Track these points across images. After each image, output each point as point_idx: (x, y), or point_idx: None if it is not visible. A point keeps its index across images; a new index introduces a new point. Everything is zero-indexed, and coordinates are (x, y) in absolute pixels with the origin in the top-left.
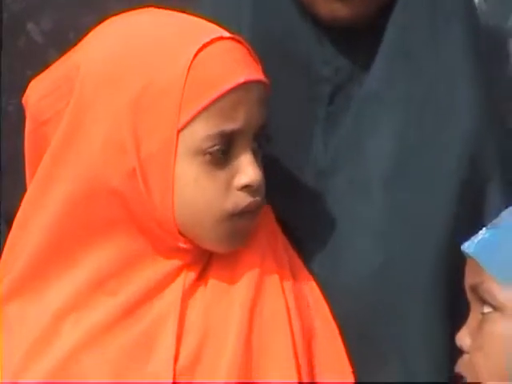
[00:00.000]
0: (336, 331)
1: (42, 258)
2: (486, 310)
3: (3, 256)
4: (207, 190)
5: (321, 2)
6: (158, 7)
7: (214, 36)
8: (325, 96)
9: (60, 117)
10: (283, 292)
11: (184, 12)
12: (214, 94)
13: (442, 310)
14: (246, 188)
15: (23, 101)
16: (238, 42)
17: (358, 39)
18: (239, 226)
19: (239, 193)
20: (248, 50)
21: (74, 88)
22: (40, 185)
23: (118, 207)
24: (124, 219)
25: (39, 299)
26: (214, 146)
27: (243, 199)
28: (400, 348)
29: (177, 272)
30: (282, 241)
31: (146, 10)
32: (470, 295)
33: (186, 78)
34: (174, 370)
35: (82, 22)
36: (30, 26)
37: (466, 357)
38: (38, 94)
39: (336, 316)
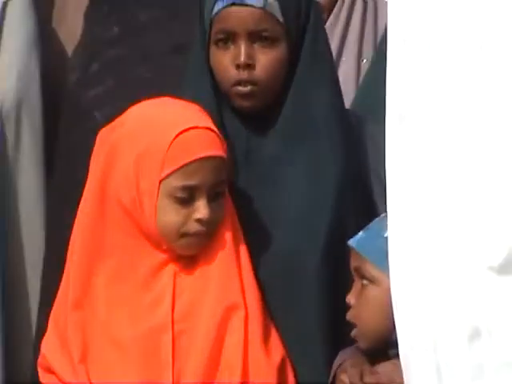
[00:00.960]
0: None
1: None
2: (365, 282)
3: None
4: (173, 219)
5: (235, 98)
6: (174, 97)
7: (191, 125)
8: (243, 153)
9: (98, 164)
10: (239, 273)
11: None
12: (182, 162)
13: (333, 281)
14: (198, 220)
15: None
16: (209, 129)
17: (261, 119)
18: (192, 242)
19: (195, 223)
20: (216, 134)
21: (109, 145)
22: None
23: (129, 220)
24: (132, 227)
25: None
26: (180, 194)
27: (195, 227)
28: (298, 305)
29: (168, 261)
30: (236, 234)
31: (161, 99)
32: (354, 272)
33: (167, 150)
34: (172, 318)
35: None
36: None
37: (352, 310)
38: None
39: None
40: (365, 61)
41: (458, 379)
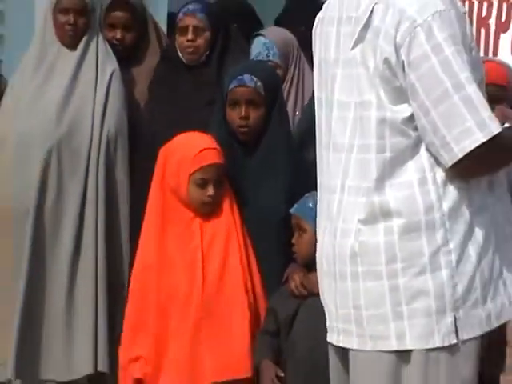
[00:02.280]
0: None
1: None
2: (300, 231)
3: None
4: (196, 195)
5: (238, 134)
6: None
7: (206, 146)
8: (239, 161)
9: (159, 165)
10: (237, 237)
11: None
12: (200, 166)
13: (285, 231)
14: (209, 196)
15: None
16: (215, 149)
17: (250, 146)
18: (206, 206)
19: (206, 197)
20: (219, 151)
21: (165, 155)
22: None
23: (175, 197)
24: (177, 201)
25: None
26: (199, 182)
27: (207, 199)
28: (268, 242)
29: (196, 216)
30: (234, 206)
31: (192, 133)
32: (295, 226)
33: (193, 159)
34: (202, 244)
35: None
36: None
37: (295, 246)
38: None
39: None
40: (297, 113)
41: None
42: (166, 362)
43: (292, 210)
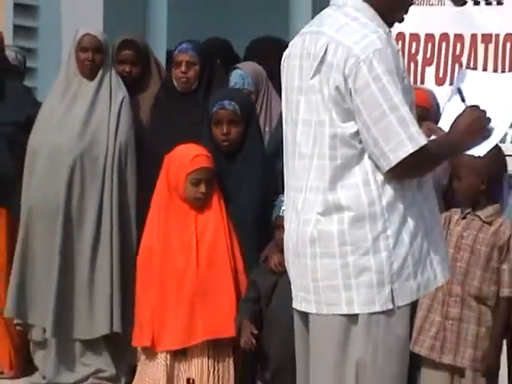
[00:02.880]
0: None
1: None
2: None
3: None
4: (191, 192)
5: (222, 147)
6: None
7: (199, 153)
8: (223, 167)
9: (164, 168)
10: (224, 226)
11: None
12: (195, 168)
13: (263, 223)
14: (201, 193)
15: None
16: (206, 155)
17: (231, 154)
18: (199, 201)
19: (199, 193)
20: (210, 158)
21: (168, 161)
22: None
23: (176, 193)
24: (176, 196)
25: None
26: (194, 181)
27: (200, 195)
28: (247, 231)
29: (191, 209)
30: (221, 201)
31: (189, 144)
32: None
33: (190, 162)
34: (196, 231)
35: None
36: None
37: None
38: None
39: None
40: (267, 129)
41: None
42: (167, 325)
43: (276, 214)
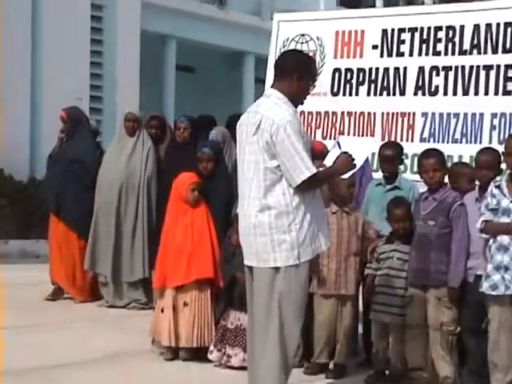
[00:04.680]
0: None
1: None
2: None
3: None
4: (190, 196)
5: (203, 173)
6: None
7: (193, 176)
8: (206, 186)
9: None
10: (206, 217)
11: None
12: (192, 181)
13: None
14: (196, 196)
15: None
16: (197, 177)
17: (209, 178)
18: (194, 203)
19: (195, 197)
20: (197, 177)
21: (176, 182)
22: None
23: (181, 198)
24: (182, 199)
25: None
26: (191, 189)
27: (195, 198)
28: (220, 223)
29: (189, 208)
30: (205, 203)
31: (188, 172)
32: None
33: (189, 179)
34: (192, 221)
35: None
36: None
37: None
38: None
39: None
40: (230, 165)
41: None
42: (174, 272)
43: (233, 212)
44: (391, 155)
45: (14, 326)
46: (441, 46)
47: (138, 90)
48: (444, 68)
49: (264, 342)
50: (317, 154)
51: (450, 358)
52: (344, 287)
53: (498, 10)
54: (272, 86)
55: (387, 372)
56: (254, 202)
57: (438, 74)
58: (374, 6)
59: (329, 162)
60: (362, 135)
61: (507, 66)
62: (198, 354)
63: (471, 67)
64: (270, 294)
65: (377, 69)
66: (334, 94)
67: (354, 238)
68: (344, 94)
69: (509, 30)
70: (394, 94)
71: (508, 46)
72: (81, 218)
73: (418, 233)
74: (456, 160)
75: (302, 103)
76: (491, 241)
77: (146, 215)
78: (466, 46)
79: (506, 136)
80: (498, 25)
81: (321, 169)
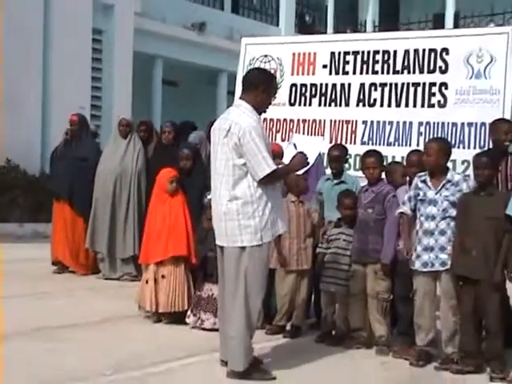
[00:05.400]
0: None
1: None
2: None
3: None
4: (169, 187)
5: (183, 169)
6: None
7: (172, 170)
8: (184, 180)
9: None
10: (182, 205)
11: None
12: (171, 175)
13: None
14: (174, 187)
15: None
16: (176, 171)
17: (187, 173)
18: (173, 193)
19: (174, 188)
20: (176, 172)
21: (159, 177)
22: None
23: (164, 190)
24: (165, 191)
25: None
26: (171, 181)
27: (174, 188)
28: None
29: (169, 197)
30: (182, 193)
31: (169, 167)
32: None
33: (168, 173)
34: (170, 207)
35: None
36: None
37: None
38: None
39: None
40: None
41: None
42: (155, 250)
43: (206, 201)
44: (337, 155)
45: (26, 294)
46: (378, 67)
47: (131, 100)
48: (381, 84)
49: (233, 309)
50: (275, 154)
51: (384, 320)
52: (305, 263)
53: (423, 39)
54: (240, 98)
55: (333, 332)
56: (224, 193)
57: (375, 90)
58: (325, 33)
59: (286, 160)
60: None
61: (431, 84)
62: (178, 319)
63: (402, 84)
64: (238, 269)
65: (326, 84)
66: (291, 105)
67: (308, 223)
68: (299, 105)
69: (432, 54)
70: (340, 105)
71: (431, 67)
72: (87, 206)
73: (359, 219)
74: (390, 160)
75: (264, 111)
76: (418, 226)
77: (137, 203)
78: (398, 67)
79: (428, 140)
80: (424, 50)
81: (280, 166)
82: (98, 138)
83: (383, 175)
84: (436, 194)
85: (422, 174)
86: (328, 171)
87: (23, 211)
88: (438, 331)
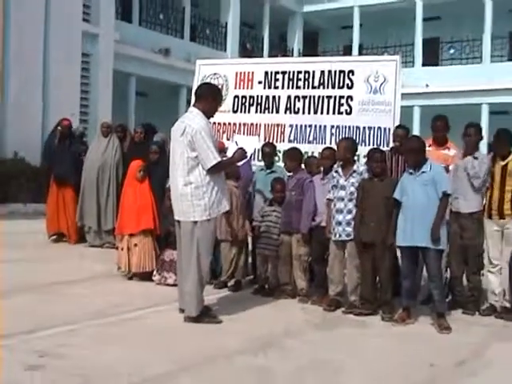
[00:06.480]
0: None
1: None
2: None
3: None
4: (138, 176)
5: (152, 161)
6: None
7: (141, 162)
8: (151, 169)
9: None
10: (149, 189)
11: None
12: (140, 165)
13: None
14: (142, 175)
15: None
16: (144, 162)
17: (155, 163)
18: (141, 179)
19: (142, 175)
20: (144, 163)
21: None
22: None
23: (133, 177)
24: (136, 180)
25: None
26: (140, 170)
27: (142, 176)
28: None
29: (140, 183)
30: (148, 181)
31: (138, 160)
32: None
33: (137, 164)
34: (139, 191)
35: None
36: None
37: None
38: None
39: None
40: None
41: None
42: (128, 223)
43: (167, 185)
44: (269, 151)
45: (26, 259)
46: (300, 83)
47: (111, 107)
48: (303, 97)
49: (188, 269)
50: (221, 149)
51: (305, 277)
52: (243, 233)
53: (335, 63)
54: (193, 105)
55: (266, 286)
56: (180, 179)
57: (299, 101)
58: (261, 57)
59: (229, 154)
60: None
61: (340, 97)
62: (147, 277)
63: (319, 97)
64: (192, 238)
65: (261, 96)
66: (234, 112)
67: (244, 202)
68: (240, 112)
69: (341, 75)
70: (272, 112)
71: (341, 84)
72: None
73: (286, 200)
74: (310, 154)
75: (212, 116)
76: (333, 206)
77: (115, 187)
78: (316, 83)
79: (339, 140)
80: (335, 71)
81: (224, 158)
82: (85, 137)
83: (303, 166)
84: (345, 181)
85: (336, 166)
86: (261, 163)
87: (27, 194)
88: (345, 284)
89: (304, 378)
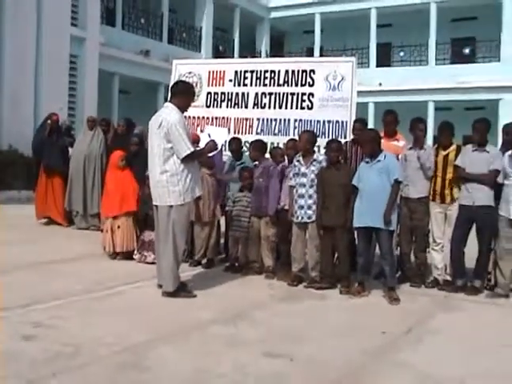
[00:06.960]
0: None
1: None
2: None
3: None
4: (120, 164)
5: (133, 152)
6: None
7: (122, 153)
8: (132, 159)
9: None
10: (129, 176)
11: None
12: (121, 155)
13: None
14: (124, 164)
15: None
16: (125, 152)
17: (136, 155)
18: (122, 168)
19: (123, 164)
20: (125, 154)
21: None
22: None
23: (115, 167)
24: (120, 169)
25: None
26: (122, 159)
27: (123, 164)
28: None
29: (122, 170)
30: (129, 170)
31: (119, 150)
32: None
33: (119, 154)
34: (121, 180)
35: None
36: None
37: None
38: None
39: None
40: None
41: None
42: (111, 207)
43: (146, 174)
44: (235, 147)
45: (19, 240)
46: (267, 81)
47: (96, 103)
48: (269, 93)
49: (165, 248)
50: (194, 140)
51: (272, 255)
52: (216, 216)
53: (298, 63)
54: (169, 101)
55: (236, 264)
56: (157, 168)
57: (265, 97)
58: (232, 57)
59: (202, 145)
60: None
61: (302, 93)
62: (128, 256)
63: (283, 93)
64: (168, 221)
65: (231, 93)
66: (207, 107)
67: (217, 188)
68: (213, 107)
69: (304, 74)
70: (241, 108)
71: (303, 82)
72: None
73: (255, 186)
74: (275, 145)
75: (186, 111)
76: (295, 191)
77: (100, 175)
78: (281, 81)
79: (301, 132)
80: (298, 71)
81: (197, 149)
82: (73, 130)
83: (268, 155)
84: (306, 169)
85: (298, 155)
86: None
87: (20, 183)
88: (307, 261)
89: (269, 343)
